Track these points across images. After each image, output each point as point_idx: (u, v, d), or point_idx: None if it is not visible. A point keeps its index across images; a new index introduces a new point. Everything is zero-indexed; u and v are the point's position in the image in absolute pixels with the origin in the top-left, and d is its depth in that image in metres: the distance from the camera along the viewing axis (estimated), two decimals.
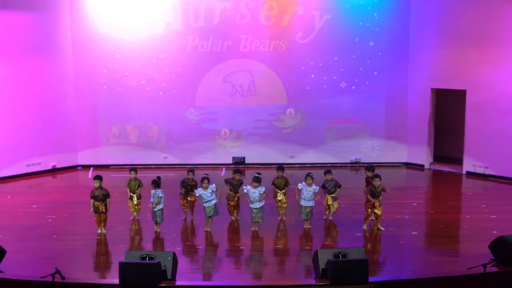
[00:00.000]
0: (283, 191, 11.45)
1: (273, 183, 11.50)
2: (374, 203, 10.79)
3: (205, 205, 10.88)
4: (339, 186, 11.37)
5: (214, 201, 10.88)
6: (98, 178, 11.00)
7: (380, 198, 10.84)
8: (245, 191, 10.97)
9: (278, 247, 10.39)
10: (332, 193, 11.32)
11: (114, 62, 16.11)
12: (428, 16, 15.54)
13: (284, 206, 11.53)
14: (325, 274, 8.24)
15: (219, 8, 16.00)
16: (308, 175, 11.10)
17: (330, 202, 11.39)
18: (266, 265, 9.62)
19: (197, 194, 10.95)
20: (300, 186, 11.09)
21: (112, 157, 16.48)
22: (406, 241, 10.56)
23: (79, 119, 16.30)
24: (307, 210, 11.04)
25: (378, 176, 10.87)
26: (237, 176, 11.47)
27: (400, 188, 14.39)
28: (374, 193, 10.80)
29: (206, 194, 10.82)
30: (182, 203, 11.69)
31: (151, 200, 10.84)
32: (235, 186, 11.40)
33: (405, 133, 16.41)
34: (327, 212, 11.56)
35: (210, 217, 10.97)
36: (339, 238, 10.81)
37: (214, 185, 10.97)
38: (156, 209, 10.86)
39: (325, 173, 11.47)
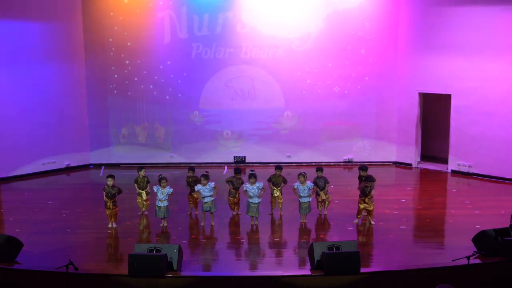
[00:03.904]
0: (279, 188, 11.45)
1: (270, 180, 11.49)
2: (364, 199, 10.82)
3: (203, 201, 10.86)
4: (328, 182, 11.40)
5: (211, 198, 10.83)
6: (112, 176, 10.98)
7: (371, 195, 10.83)
8: (244, 188, 10.97)
9: (276, 240, 10.38)
10: (323, 189, 11.35)
11: (124, 68, 16.10)
12: (415, 25, 15.52)
13: (281, 201, 11.53)
14: (320, 265, 8.23)
15: (222, 18, 15.98)
16: (299, 174, 11.09)
17: (323, 197, 11.40)
18: (264, 256, 9.61)
19: (196, 189, 10.94)
20: (295, 185, 11.09)
21: (122, 156, 16.46)
22: (395, 235, 10.55)
23: (91, 121, 16.28)
24: (305, 205, 11.05)
25: (371, 179, 10.83)
26: (238, 175, 11.46)
27: (390, 185, 14.37)
28: (364, 191, 10.82)
29: (205, 190, 10.80)
30: (189, 198, 11.70)
31: (161, 197, 10.79)
32: (236, 183, 11.39)
33: (394, 134, 16.38)
34: (320, 208, 11.55)
35: (207, 211, 10.91)
36: (332, 232, 10.80)
37: (213, 183, 10.94)
38: (163, 205, 10.84)
39: (317, 170, 11.50)
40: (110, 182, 10.83)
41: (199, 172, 11.66)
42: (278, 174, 11.49)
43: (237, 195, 11.46)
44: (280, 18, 15.95)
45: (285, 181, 11.48)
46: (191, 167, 11.87)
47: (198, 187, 10.89)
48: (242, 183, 11.41)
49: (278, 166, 11.64)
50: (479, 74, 14.47)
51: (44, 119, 15.36)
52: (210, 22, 15.99)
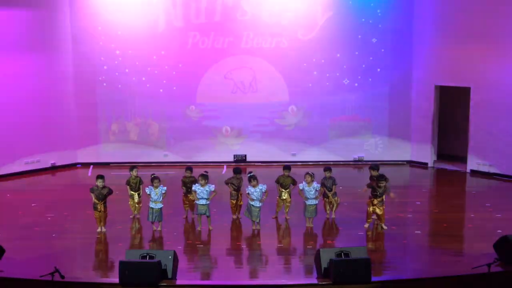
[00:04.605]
0: (288, 190, 11.44)
1: (278, 181, 11.48)
2: (373, 200, 10.79)
3: (198, 203, 10.84)
4: (335, 183, 11.41)
5: (206, 201, 10.80)
6: (102, 177, 10.94)
7: (383, 198, 10.81)
8: (247, 191, 10.96)
9: (280, 245, 10.39)
10: (331, 190, 11.34)
11: (114, 58, 16.10)
12: (432, 12, 15.50)
13: (289, 205, 11.52)
14: (328, 273, 8.23)
15: (220, 4, 15.97)
16: (306, 173, 11.08)
17: (332, 199, 11.40)
18: (267, 264, 9.61)
19: (193, 188, 10.91)
20: (301, 186, 11.08)
21: (112, 155, 16.47)
22: (409, 240, 10.55)
23: (78, 116, 16.28)
24: (311, 208, 11.04)
25: (384, 178, 10.77)
26: (238, 175, 11.45)
27: (404, 186, 14.37)
28: (374, 191, 10.77)
29: (202, 192, 10.78)
30: (184, 201, 11.70)
31: (156, 198, 10.77)
32: (236, 184, 11.38)
33: (408, 131, 16.39)
34: (328, 211, 11.55)
35: (202, 215, 10.89)
36: (341, 237, 10.80)
37: (213, 186, 10.90)
38: (156, 207, 10.82)
39: (325, 170, 11.48)
40: (100, 183, 10.81)
41: (197, 173, 11.64)
42: (286, 175, 11.47)
43: (239, 197, 11.46)
44: (284, 4, 15.94)
45: (294, 182, 11.46)
46: (189, 167, 11.86)
47: (195, 186, 10.88)
48: (241, 180, 11.41)
49: (287, 166, 11.62)
50: (501, 65, 14.44)
51: (27, 114, 15.35)
52: (208, 9, 15.98)
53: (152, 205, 10.85)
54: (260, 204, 10.89)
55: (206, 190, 10.79)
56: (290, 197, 11.50)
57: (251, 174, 11.06)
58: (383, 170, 11.72)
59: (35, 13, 15.20)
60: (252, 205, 10.87)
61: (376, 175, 11.13)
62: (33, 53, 15.28)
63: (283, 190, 11.45)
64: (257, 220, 10.96)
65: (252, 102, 16.40)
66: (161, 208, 10.88)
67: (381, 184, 10.71)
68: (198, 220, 11.05)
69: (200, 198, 10.81)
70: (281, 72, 16.27)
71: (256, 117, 16.47)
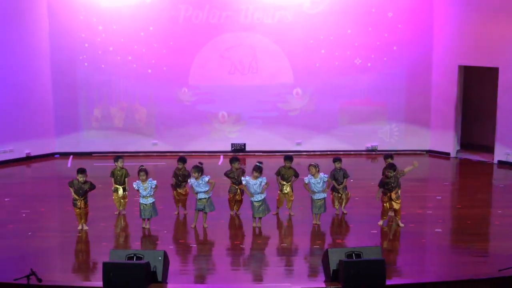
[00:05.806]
0: (290, 183, 11.46)
1: (279, 173, 11.49)
2: (390, 195, 10.79)
3: (196, 197, 10.87)
4: (347, 176, 11.43)
5: (206, 195, 10.82)
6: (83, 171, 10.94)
7: (398, 190, 10.83)
8: (244, 182, 10.96)
9: (283, 245, 10.44)
10: (341, 183, 11.36)
11: (97, 35, 16.08)
12: None
13: (291, 199, 11.56)
14: (337, 276, 8.27)
15: None
16: (310, 165, 11.06)
17: (341, 193, 11.43)
18: (268, 265, 9.66)
19: (189, 183, 10.94)
20: (306, 179, 11.06)
21: (94, 143, 16.50)
22: (429, 239, 10.59)
23: (56, 100, 16.29)
24: (319, 203, 11.03)
25: (392, 166, 10.79)
26: (236, 165, 11.46)
27: (423, 179, 14.39)
28: (387, 184, 10.77)
29: (199, 185, 10.79)
30: (174, 195, 11.74)
31: (145, 193, 10.78)
32: (236, 176, 11.40)
33: (428, 116, 16.40)
34: (336, 207, 11.58)
35: (200, 210, 10.92)
36: (352, 236, 10.84)
37: (208, 176, 10.91)
38: (148, 202, 10.84)
39: (334, 161, 11.49)
40: (81, 178, 10.80)
41: (191, 164, 11.66)
42: (288, 166, 11.50)
43: (239, 191, 11.46)
44: None
45: (296, 175, 11.49)
46: (182, 157, 11.85)
47: (191, 181, 10.90)
48: (244, 173, 11.41)
49: (288, 156, 11.63)
50: None
51: None
52: None
53: (142, 201, 10.85)
54: (261, 197, 10.88)
55: (201, 183, 10.79)
56: (293, 191, 11.53)
57: (260, 164, 10.99)
58: (399, 160, 11.73)
59: None
60: (254, 201, 10.87)
61: (387, 165, 11.08)
62: (3, 28, 15.23)
63: (285, 183, 11.47)
64: (262, 216, 10.95)
65: (252, 84, 16.41)
66: (152, 203, 10.88)
67: (390, 174, 10.71)
68: (195, 217, 11.07)
69: (198, 193, 10.82)
70: (284, 51, 16.26)
71: (256, 101, 16.48)
